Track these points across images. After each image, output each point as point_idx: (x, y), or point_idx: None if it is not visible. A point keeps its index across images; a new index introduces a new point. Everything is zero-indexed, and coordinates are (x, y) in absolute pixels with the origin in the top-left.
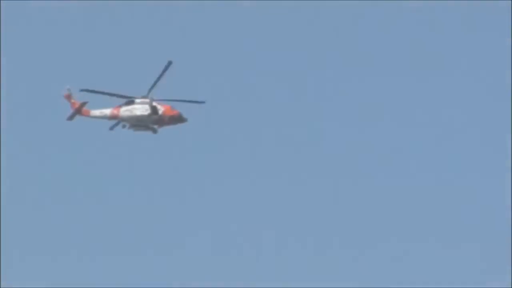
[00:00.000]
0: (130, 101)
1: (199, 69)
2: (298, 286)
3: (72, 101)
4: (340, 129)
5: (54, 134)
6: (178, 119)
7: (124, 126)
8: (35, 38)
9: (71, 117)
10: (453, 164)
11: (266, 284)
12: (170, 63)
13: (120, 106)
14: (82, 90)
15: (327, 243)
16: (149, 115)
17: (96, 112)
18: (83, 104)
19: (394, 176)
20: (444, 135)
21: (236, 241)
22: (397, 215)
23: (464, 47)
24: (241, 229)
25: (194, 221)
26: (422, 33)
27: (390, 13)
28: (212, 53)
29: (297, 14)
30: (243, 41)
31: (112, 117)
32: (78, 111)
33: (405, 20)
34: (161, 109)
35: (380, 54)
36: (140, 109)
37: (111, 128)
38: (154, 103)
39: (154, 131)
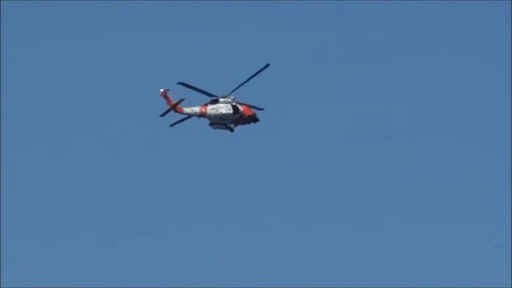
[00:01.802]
0: (215, 100)
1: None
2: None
3: (169, 98)
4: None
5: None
6: (254, 118)
7: (210, 124)
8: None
9: (165, 113)
10: (453, 164)
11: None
12: (267, 65)
13: (207, 104)
14: (179, 83)
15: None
16: (232, 114)
17: (187, 110)
18: (180, 101)
19: (391, 174)
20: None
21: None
22: (397, 214)
23: (464, 47)
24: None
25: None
26: (421, 33)
27: (389, 12)
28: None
29: None
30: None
31: (201, 114)
32: (174, 107)
33: (405, 20)
34: (240, 108)
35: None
36: (224, 107)
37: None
38: (234, 103)
39: (231, 130)
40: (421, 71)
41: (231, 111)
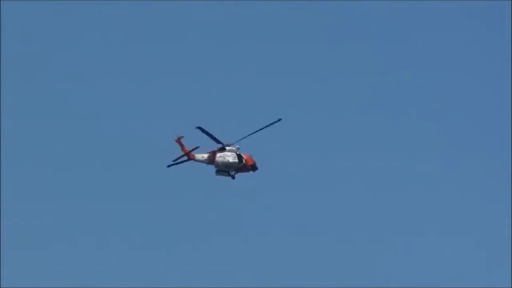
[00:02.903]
0: (222, 148)
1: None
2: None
3: (183, 145)
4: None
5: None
6: (254, 167)
7: (217, 171)
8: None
9: (178, 159)
10: (453, 163)
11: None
12: (279, 120)
13: (214, 152)
14: (197, 128)
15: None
16: (237, 163)
17: (199, 156)
18: (195, 148)
19: (392, 171)
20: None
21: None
22: (398, 214)
23: (464, 47)
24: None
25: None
26: (421, 33)
27: (388, 12)
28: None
29: None
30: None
31: (210, 161)
32: (188, 154)
33: (405, 20)
34: (244, 158)
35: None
36: (231, 156)
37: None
38: (238, 152)
39: (233, 177)
40: (420, 71)
41: (236, 160)
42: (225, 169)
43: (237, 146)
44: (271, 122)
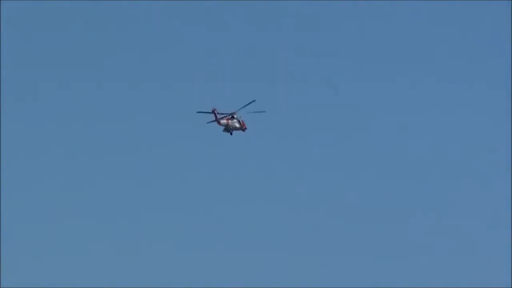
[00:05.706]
0: (232, 116)
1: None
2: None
3: (216, 115)
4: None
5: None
6: (245, 129)
7: (224, 130)
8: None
9: (210, 121)
10: (453, 164)
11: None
12: (253, 101)
13: (228, 118)
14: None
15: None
16: (240, 127)
17: (222, 122)
18: (223, 117)
19: (394, 173)
20: (443, 134)
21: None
22: (396, 213)
23: (464, 47)
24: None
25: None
26: (421, 33)
27: (389, 12)
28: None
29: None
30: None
31: (226, 125)
32: (218, 122)
33: (405, 20)
34: (241, 122)
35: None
36: (236, 122)
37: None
38: (239, 119)
39: (231, 133)
40: (420, 70)
41: (239, 125)
42: (229, 130)
43: (240, 115)
44: (247, 103)
